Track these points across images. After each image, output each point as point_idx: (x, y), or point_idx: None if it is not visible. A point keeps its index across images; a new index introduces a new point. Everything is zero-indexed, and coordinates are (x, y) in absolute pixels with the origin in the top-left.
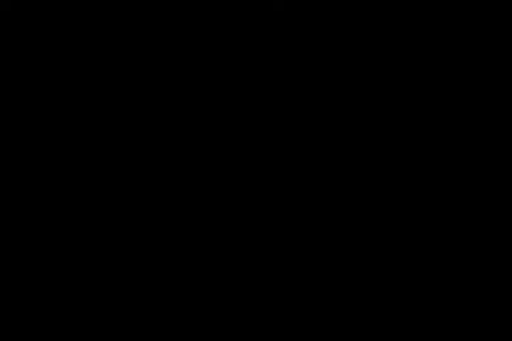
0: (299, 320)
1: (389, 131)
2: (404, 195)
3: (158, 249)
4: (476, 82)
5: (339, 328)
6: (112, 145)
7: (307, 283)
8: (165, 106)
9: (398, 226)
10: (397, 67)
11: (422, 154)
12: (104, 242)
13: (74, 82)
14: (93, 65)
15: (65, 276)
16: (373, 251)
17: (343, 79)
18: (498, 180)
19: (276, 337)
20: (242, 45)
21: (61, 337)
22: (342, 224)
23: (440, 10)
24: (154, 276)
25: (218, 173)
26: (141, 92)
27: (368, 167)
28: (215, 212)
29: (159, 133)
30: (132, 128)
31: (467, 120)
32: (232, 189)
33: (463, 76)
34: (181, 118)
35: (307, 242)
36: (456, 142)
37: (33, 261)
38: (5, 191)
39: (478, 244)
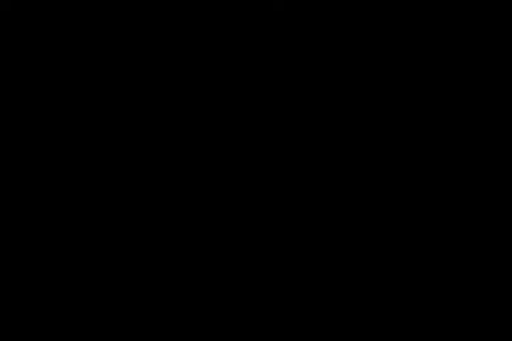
0: (299, 320)
1: (389, 131)
2: (404, 195)
3: (158, 249)
4: (476, 82)
5: (339, 328)
6: (112, 145)
7: (307, 283)
8: (165, 106)
9: (398, 226)
10: (397, 67)
11: (421, 154)
12: (103, 242)
13: (74, 81)
14: (93, 64)
15: (65, 276)
16: (373, 250)
17: (343, 79)
18: (498, 180)
19: (276, 337)
20: (242, 45)
21: (61, 337)
22: (342, 224)
23: (440, 10)
24: (154, 276)
25: (218, 173)
26: (141, 92)
27: (368, 167)
28: (214, 212)
29: (159, 133)
30: (132, 127)
31: (467, 120)
32: (232, 189)
33: (463, 76)
34: (181, 118)
35: (307, 242)
36: (456, 142)
37: (33, 261)
38: (5, 191)
39: (478, 243)
